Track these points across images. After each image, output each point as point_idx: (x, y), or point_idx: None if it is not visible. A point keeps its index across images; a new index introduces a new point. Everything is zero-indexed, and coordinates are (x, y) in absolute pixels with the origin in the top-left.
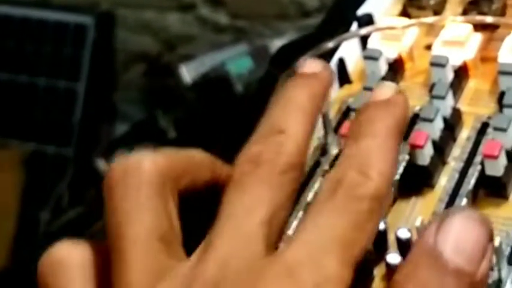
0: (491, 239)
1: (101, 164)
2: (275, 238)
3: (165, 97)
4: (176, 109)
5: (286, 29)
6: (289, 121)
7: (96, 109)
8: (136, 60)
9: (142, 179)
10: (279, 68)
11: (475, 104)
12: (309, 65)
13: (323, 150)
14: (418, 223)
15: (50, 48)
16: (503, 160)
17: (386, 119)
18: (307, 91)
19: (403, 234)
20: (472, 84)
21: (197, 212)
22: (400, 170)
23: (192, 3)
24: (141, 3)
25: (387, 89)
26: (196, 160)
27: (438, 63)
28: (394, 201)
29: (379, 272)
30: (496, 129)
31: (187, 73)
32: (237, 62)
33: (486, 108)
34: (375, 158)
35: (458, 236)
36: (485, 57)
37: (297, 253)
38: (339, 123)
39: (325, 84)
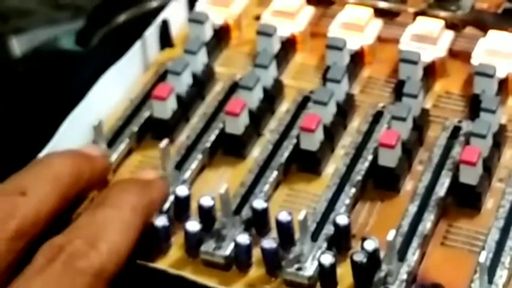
0: None
1: None
2: None
3: None
4: (3, 81)
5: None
6: (36, 185)
7: None
8: None
9: None
10: (96, 24)
11: (300, 77)
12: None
13: None
14: (222, 190)
15: None
16: (319, 135)
17: (138, 196)
18: (71, 166)
19: (206, 201)
20: (298, 58)
21: None
22: (212, 137)
23: None
24: None
25: (151, 173)
26: None
27: (265, 33)
28: (202, 169)
29: (177, 240)
30: (316, 102)
31: (18, 46)
32: (72, 37)
33: (310, 82)
34: (110, 229)
35: None
36: (316, 32)
37: None
38: (154, 86)
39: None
